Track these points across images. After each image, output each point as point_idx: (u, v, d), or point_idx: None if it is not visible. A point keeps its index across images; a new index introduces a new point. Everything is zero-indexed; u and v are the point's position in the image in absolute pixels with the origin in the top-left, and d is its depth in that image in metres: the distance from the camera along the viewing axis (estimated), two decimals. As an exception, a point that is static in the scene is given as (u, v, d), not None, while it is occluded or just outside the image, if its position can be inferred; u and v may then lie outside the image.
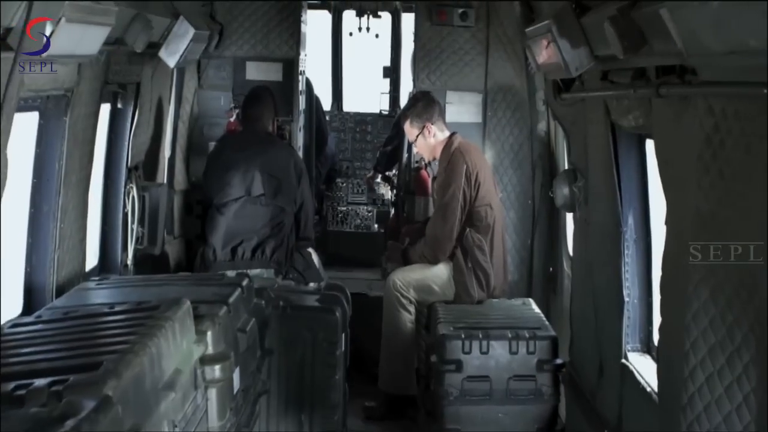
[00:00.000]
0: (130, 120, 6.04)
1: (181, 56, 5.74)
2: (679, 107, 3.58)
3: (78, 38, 3.78)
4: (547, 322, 6.27)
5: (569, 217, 6.93)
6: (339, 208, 10.46)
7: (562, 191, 5.71)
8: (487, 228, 6.70)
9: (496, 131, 7.86)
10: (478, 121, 7.85)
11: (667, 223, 3.89)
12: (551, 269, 7.70)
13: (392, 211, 9.20)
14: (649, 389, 4.36)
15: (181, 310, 3.68)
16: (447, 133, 6.92)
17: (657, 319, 4.73)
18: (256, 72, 8.00)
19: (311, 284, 6.72)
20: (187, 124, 7.86)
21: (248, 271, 6.43)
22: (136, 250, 6.21)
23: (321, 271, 7.08)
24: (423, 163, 7.80)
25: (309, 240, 7.04)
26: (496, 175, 7.65)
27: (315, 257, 7.08)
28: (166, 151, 7.32)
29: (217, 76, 7.99)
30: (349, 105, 11.65)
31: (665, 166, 3.83)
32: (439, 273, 6.74)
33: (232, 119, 7.75)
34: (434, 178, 7.10)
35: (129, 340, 3.26)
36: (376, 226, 10.34)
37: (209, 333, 3.93)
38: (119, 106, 5.93)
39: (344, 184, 10.62)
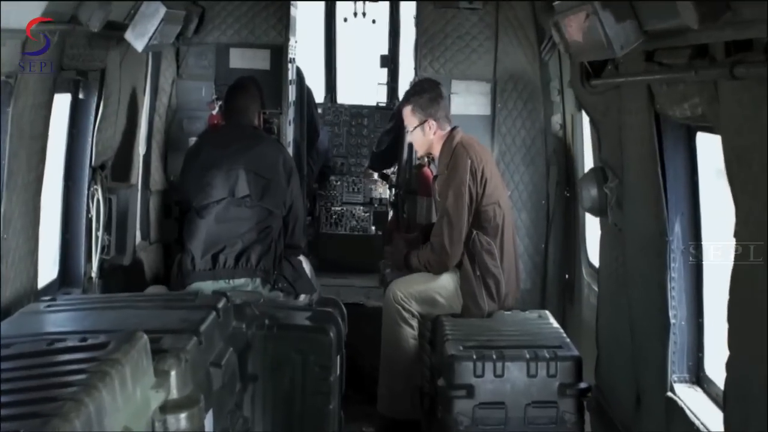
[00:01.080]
0: (93, 112, 5.32)
1: (150, 39, 4.99)
2: (760, 91, 2.84)
3: None
4: (568, 340, 5.68)
5: (589, 218, 6.36)
6: (333, 208, 9.96)
7: (590, 193, 5.03)
8: (496, 229, 6.13)
9: (506, 124, 7.28)
10: (486, 113, 7.30)
11: (737, 234, 3.16)
12: (567, 276, 7.14)
13: (390, 212, 8.60)
14: (706, 432, 3.65)
15: (135, 349, 2.94)
16: (448, 129, 6.28)
17: (709, 346, 4.16)
18: (240, 60, 7.37)
19: (302, 297, 6.02)
20: (165, 118, 7.21)
21: (231, 281, 5.81)
22: (102, 261, 5.49)
23: (313, 281, 6.35)
24: (426, 159, 7.13)
25: (298, 248, 6.31)
26: (506, 172, 7.17)
27: (306, 266, 6.36)
28: (140, 148, 6.67)
29: (197, 65, 7.35)
30: (344, 97, 11.12)
31: (738, 163, 3.09)
32: (444, 283, 6.16)
33: (214, 112, 7.10)
34: (435, 177, 6.42)
35: (61, 396, 2.51)
36: (373, 228, 9.85)
37: (173, 373, 3.19)
38: (80, 96, 5.23)
39: (338, 183, 10.07)
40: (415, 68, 7.43)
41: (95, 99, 5.32)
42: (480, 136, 6.68)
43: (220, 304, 4.08)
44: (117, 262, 5.70)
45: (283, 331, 4.93)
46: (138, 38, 4.99)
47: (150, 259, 6.80)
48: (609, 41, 3.48)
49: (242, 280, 5.87)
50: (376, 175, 9.74)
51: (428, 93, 6.28)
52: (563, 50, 4.40)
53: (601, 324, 5.31)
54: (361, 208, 9.93)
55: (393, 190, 8.61)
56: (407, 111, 6.32)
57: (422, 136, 6.29)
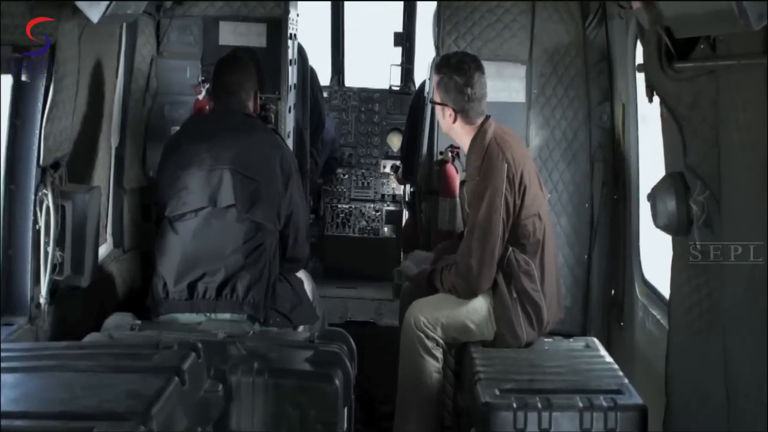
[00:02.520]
0: (41, 99, 4.31)
1: (107, 8, 3.98)
2: None
3: None
4: (626, 381, 4.78)
5: (644, 224, 5.61)
6: (340, 206, 9.24)
7: (666, 206, 4.03)
8: (536, 246, 5.24)
9: (543, 114, 6.37)
10: (520, 101, 6.39)
11: None
12: (614, 293, 6.26)
13: (406, 213, 7.82)
14: None
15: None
16: (479, 122, 5.33)
17: None
18: (232, 35, 6.47)
19: (301, 328, 4.99)
20: (142, 104, 6.25)
21: (213, 316, 4.80)
22: (54, 283, 4.48)
23: (316, 304, 5.32)
24: (449, 154, 6.27)
25: (300, 261, 5.26)
26: (543, 170, 6.23)
27: (308, 285, 5.34)
28: (112, 140, 5.71)
29: (180, 41, 6.43)
30: (353, 79, 10.46)
31: None
32: (477, 306, 5.25)
33: (200, 96, 6.11)
34: (463, 183, 5.50)
35: None
36: (386, 229, 9.12)
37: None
38: (24, 78, 4.19)
39: (346, 176, 9.38)
40: (436, 46, 6.50)
41: (44, 82, 4.31)
42: (512, 127, 5.75)
43: (186, 364, 3.04)
44: (74, 283, 4.69)
45: (277, 378, 3.96)
46: (92, 6, 3.95)
47: (123, 270, 5.83)
48: (742, 10, 2.45)
49: (226, 315, 4.85)
50: (389, 168, 9.04)
51: (461, 77, 5.25)
52: (647, 23, 3.34)
53: (675, 367, 4.30)
54: (372, 205, 9.22)
55: (408, 188, 7.76)
56: (435, 80, 5.43)
57: (441, 117, 5.44)
